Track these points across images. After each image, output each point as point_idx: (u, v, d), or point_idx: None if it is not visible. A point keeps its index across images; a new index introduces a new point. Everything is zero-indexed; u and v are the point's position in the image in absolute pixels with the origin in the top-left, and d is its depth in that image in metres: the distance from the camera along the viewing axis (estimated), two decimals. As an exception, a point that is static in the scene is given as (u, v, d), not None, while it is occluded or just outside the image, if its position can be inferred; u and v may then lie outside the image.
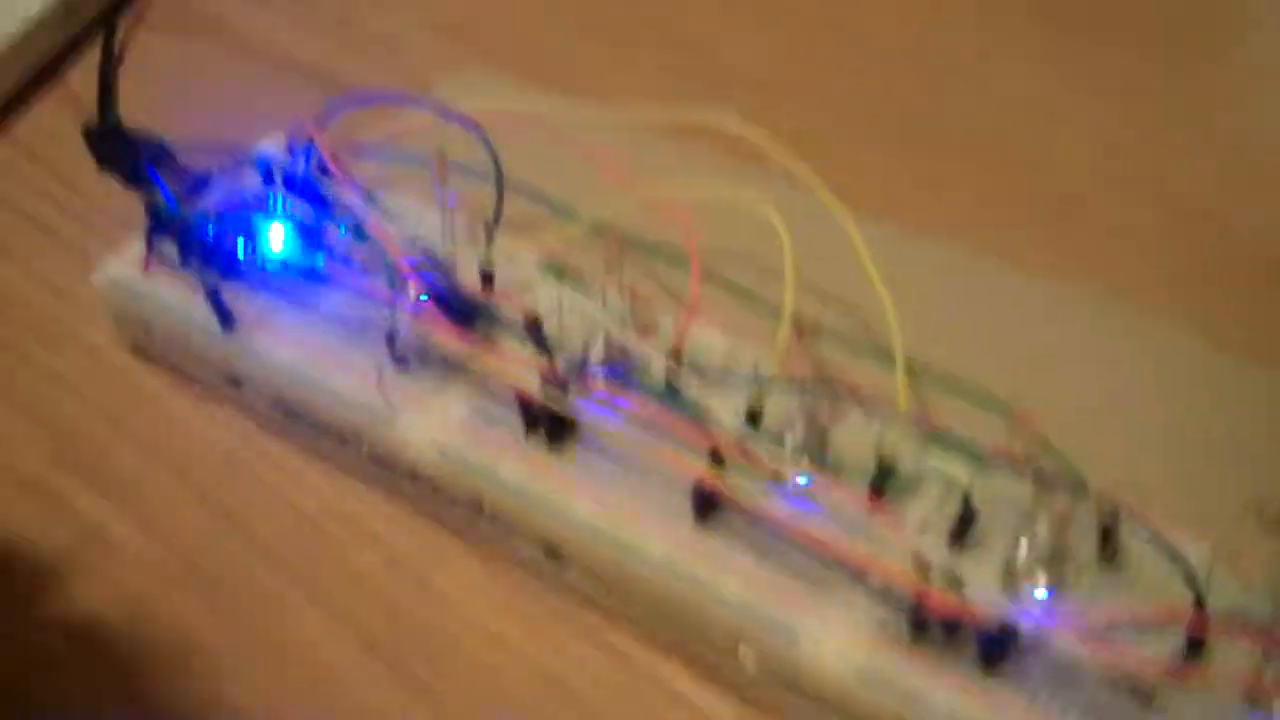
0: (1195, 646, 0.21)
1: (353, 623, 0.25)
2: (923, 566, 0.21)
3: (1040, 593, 0.22)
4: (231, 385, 0.28)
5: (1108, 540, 0.22)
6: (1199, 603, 0.21)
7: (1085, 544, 0.23)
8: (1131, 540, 0.22)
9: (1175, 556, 0.21)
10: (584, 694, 0.24)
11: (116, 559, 0.26)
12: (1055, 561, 0.22)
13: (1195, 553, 0.22)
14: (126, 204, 0.29)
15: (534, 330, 0.26)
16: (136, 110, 0.28)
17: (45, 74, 0.38)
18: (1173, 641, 0.21)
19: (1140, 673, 0.20)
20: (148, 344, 0.30)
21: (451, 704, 0.24)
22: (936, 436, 0.24)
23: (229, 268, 0.28)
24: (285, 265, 0.27)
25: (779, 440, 0.24)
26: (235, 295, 0.28)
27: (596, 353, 0.25)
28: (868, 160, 0.33)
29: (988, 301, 0.30)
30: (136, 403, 0.29)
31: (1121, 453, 0.25)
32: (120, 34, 0.36)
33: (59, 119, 0.36)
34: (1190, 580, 0.21)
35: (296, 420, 0.27)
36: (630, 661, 0.24)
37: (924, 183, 0.33)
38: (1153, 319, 0.29)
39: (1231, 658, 0.21)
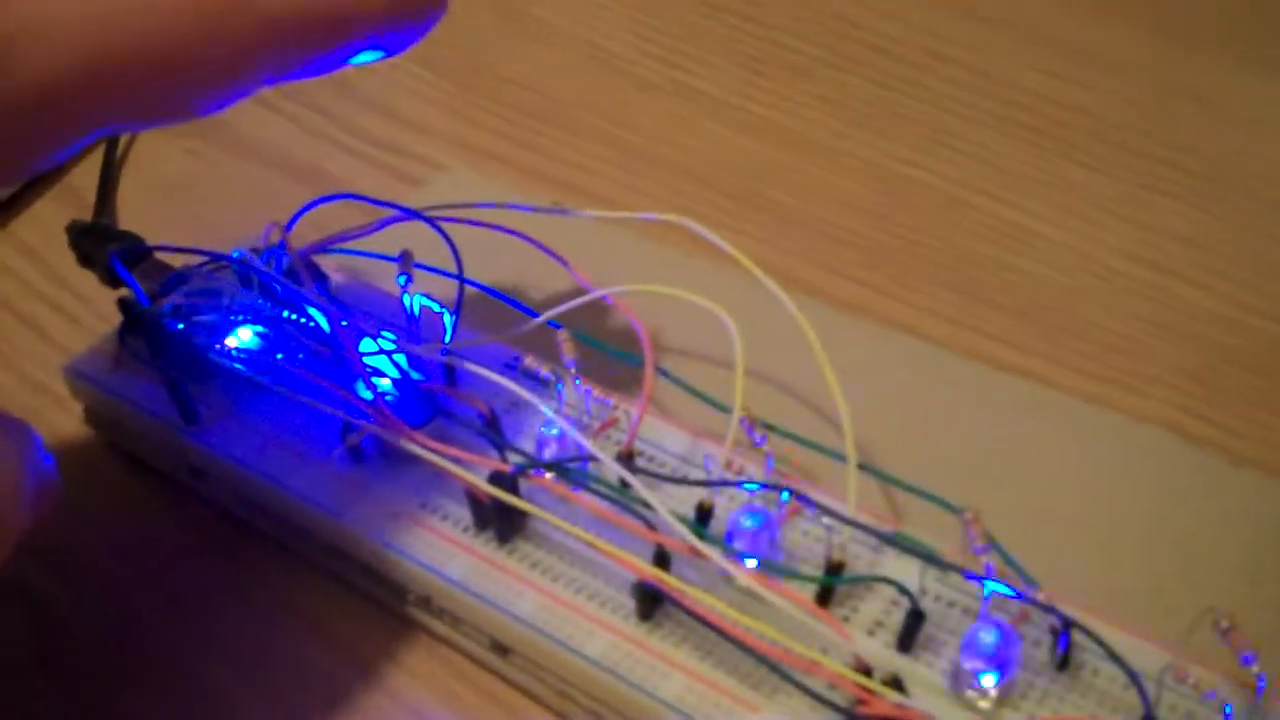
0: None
1: (292, 708, 0.25)
2: (864, 669, 0.21)
3: (987, 702, 0.21)
4: (193, 476, 0.28)
5: (1062, 648, 0.22)
6: (1150, 717, 0.20)
7: (1037, 650, 0.22)
8: (1086, 648, 0.22)
9: (1125, 666, 0.21)
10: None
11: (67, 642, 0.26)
12: (1004, 667, 0.21)
13: (1149, 661, 0.21)
14: (113, 302, 0.29)
15: (490, 427, 0.25)
16: (134, 208, 0.29)
17: (48, 175, 0.39)
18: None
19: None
20: (117, 436, 0.30)
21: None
22: (888, 537, 0.23)
23: (195, 364, 0.28)
24: (249, 363, 0.27)
25: (728, 539, 0.23)
26: (200, 391, 0.28)
27: (551, 448, 0.25)
28: (829, 260, 0.33)
29: (944, 398, 0.29)
30: (101, 491, 0.29)
31: (1076, 557, 0.25)
32: (120, 140, 0.37)
33: (58, 216, 0.37)
34: (1141, 690, 0.20)
35: (253, 511, 0.27)
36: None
37: (887, 281, 0.33)
38: (1116, 418, 0.29)
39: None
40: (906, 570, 0.23)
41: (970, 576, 0.22)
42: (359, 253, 0.29)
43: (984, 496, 0.23)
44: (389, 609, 0.26)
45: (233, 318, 0.28)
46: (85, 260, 0.30)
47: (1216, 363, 0.30)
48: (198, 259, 0.29)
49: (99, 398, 0.29)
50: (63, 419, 0.31)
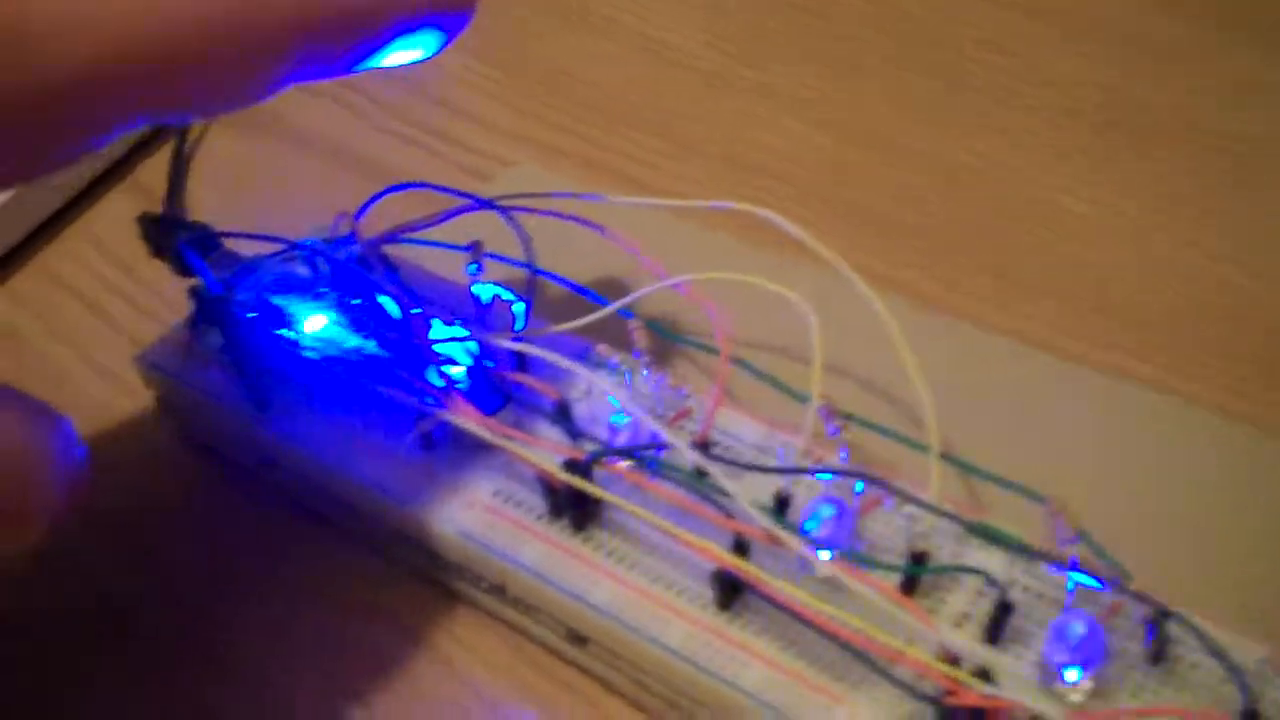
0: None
1: (369, 703, 0.24)
2: (952, 659, 0.20)
3: (1078, 694, 0.21)
4: (265, 465, 0.28)
5: (1154, 639, 0.21)
6: (1251, 711, 0.19)
7: (1130, 643, 0.21)
8: (1180, 640, 0.21)
9: (1222, 657, 0.20)
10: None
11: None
12: (1091, 660, 0.21)
13: (1245, 653, 0.20)
14: (182, 292, 0.29)
15: (562, 415, 0.25)
16: (200, 202, 0.29)
17: (117, 169, 0.39)
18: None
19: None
20: (189, 425, 0.30)
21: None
22: (973, 527, 0.23)
23: (267, 352, 0.28)
24: (323, 351, 0.27)
25: (803, 530, 0.23)
26: (271, 379, 0.28)
27: (623, 437, 0.25)
28: (901, 254, 0.33)
29: (1026, 391, 0.29)
30: (171, 480, 0.29)
31: (1168, 549, 0.24)
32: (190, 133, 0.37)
33: (128, 209, 0.37)
34: (1241, 683, 0.20)
35: (325, 500, 0.27)
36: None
37: (959, 275, 0.32)
38: (1201, 411, 0.28)
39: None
40: (991, 562, 0.22)
41: (1057, 568, 0.21)
42: (429, 243, 0.29)
43: (1068, 489, 0.22)
44: (463, 598, 0.26)
45: (304, 306, 0.28)
46: (157, 250, 0.30)
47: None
48: (268, 248, 0.29)
49: (171, 386, 0.29)
50: (134, 408, 0.31)
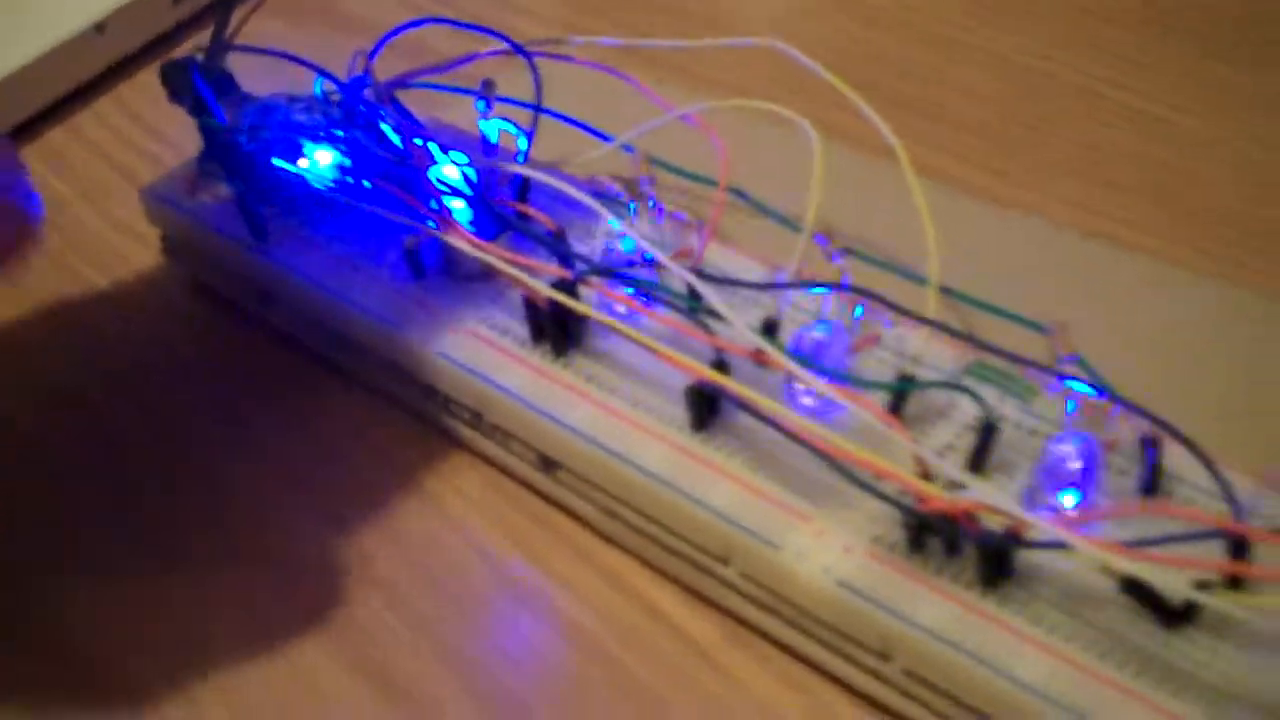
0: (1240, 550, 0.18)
1: (348, 531, 0.24)
2: (926, 474, 0.19)
3: (1066, 503, 0.19)
4: (262, 302, 0.28)
5: (1147, 467, 0.20)
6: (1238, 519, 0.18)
7: (1122, 478, 0.20)
8: (1173, 475, 0.20)
9: (1220, 479, 0.19)
10: (568, 611, 0.22)
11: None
12: (1085, 484, 0.20)
13: (1239, 483, 0.19)
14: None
15: (558, 242, 0.25)
16: (243, 80, 0.28)
17: (156, 46, 0.39)
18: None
19: (1170, 587, 0.18)
20: (192, 263, 0.30)
21: (426, 609, 0.22)
22: (962, 334, 0.22)
23: (269, 184, 0.27)
24: (325, 184, 0.27)
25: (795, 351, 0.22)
26: (273, 212, 0.27)
27: (615, 257, 0.24)
28: (943, 141, 0.32)
29: (1030, 247, 0.28)
30: (173, 318, 0.29)
31: (1164, 385, 0.22)
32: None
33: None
34: (1232, 501, 0.18)
35: (316, 332, 0.27)
36: (620, 581, 0.22)
37: (1004, 162, 0.31)
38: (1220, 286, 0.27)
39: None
40: (983, 392, 0.21)
41: (1052, 376, 0.20)
42: (443, 87, 0.28)
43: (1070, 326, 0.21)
44: (446, 432, 0.25)
45: (309, 139, 0.27)
46: (174, 95, 0.30)
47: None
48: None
49: (173, 219, 0.29)
50: (142, 253, 0.31)
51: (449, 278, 0.25)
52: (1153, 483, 0.20)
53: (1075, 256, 0.28)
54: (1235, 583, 0.18)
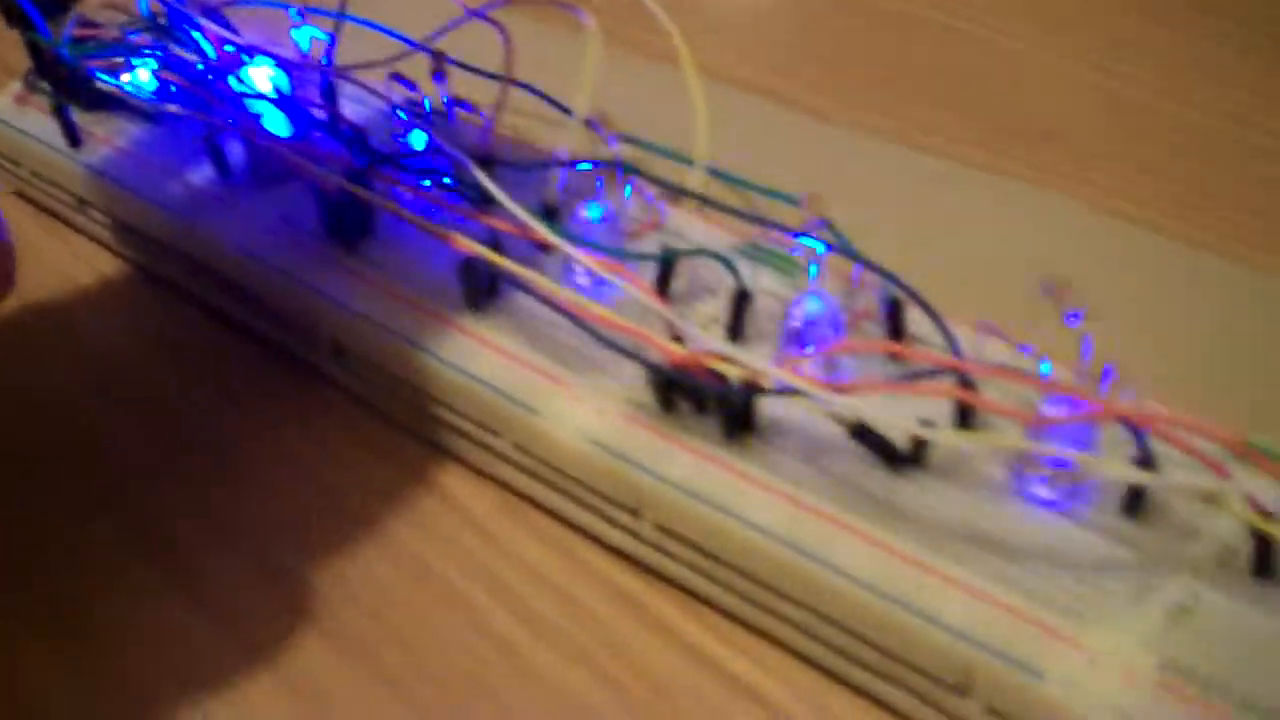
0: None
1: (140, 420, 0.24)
2: (677, 334, 0.20)
3: (810, 363, 0.20)
4: (80, 210, 0.28)
5: (893, 326, 0.20)
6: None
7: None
8: (917, 334, 0.20)
9: (946, 330, 0.19)
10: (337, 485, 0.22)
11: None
12: (822, 340, 0.20)
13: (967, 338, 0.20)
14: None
15: (357, 139, 0.25)
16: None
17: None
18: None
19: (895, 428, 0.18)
20: (19, 180, 0.30)
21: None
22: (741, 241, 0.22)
23: (89, 96, 0.28)
24: (140, 96, 0.27)
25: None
26: (93, 120, 0.28)
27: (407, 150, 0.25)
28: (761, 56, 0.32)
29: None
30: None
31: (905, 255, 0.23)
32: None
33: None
34: (956, 348, 0.19)
35: (129, 236, 0.27)
36: (404, 461, 0.23)
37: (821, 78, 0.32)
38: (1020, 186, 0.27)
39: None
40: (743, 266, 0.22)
41: (787, 233, 0.21)
42: (266, 2, 0.28)
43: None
44: (243, 328, 0.25)
45: (128, 53, 0.28)
46: (7, 16, 0.30)
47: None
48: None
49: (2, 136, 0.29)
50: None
51: (255, 178, 0.26)
52: (895, 338, 0.20)
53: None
54: (964, 421, 0.19)
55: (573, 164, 0.23)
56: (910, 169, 0.28)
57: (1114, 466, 0.17)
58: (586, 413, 0.20)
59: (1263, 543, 0.17)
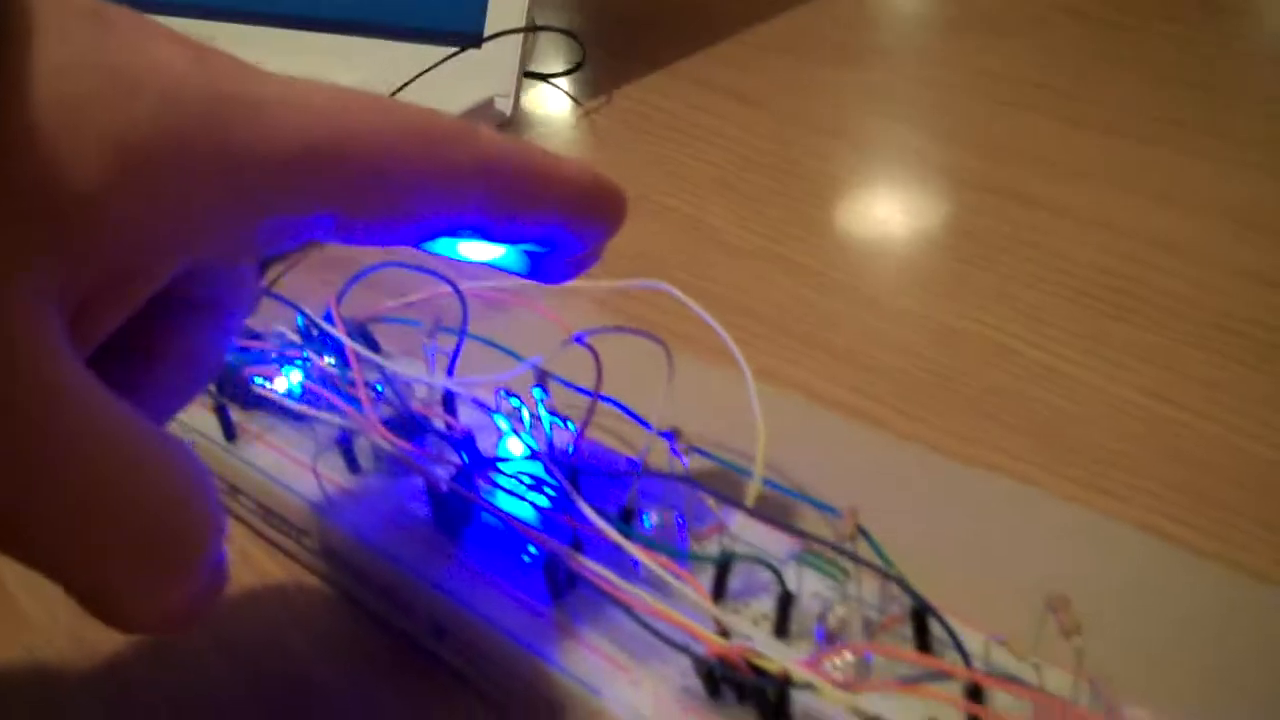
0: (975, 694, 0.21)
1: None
2: (723, 629, 0.22)
3: (841, 660, 0.22)
4: (231, 493, 0.32)
5: (918, 630, 0.23)
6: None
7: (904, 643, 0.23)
8: (944, 641, 0.23)
9: (955, 637, 0.22)
10: None
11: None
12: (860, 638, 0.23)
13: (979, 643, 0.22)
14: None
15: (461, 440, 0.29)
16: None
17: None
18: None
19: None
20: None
21: None
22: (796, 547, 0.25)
23: (245, 399, 0.32)
24: (289, 399, 0.32)
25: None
26: (246, 419, 0.32)
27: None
28: (848, 379, 0.36)
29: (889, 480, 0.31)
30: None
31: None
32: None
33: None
34: (962, 651, 0.21)
35: (269, 518, 0.31)
36: None
37: (897, 400, 0.35)
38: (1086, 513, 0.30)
39: None
40: (788, 572, 0.24)
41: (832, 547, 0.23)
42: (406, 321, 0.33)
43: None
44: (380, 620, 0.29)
45: (284, 363, 0.32)
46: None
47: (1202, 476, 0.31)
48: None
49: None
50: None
51: (378, 474, 0.30)
52: (925, 644, 0.23)
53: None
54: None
55: (649, 474, 0.26)
56: (953, 480, 0.31)
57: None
58: (643, 696, 0.23)
59: None
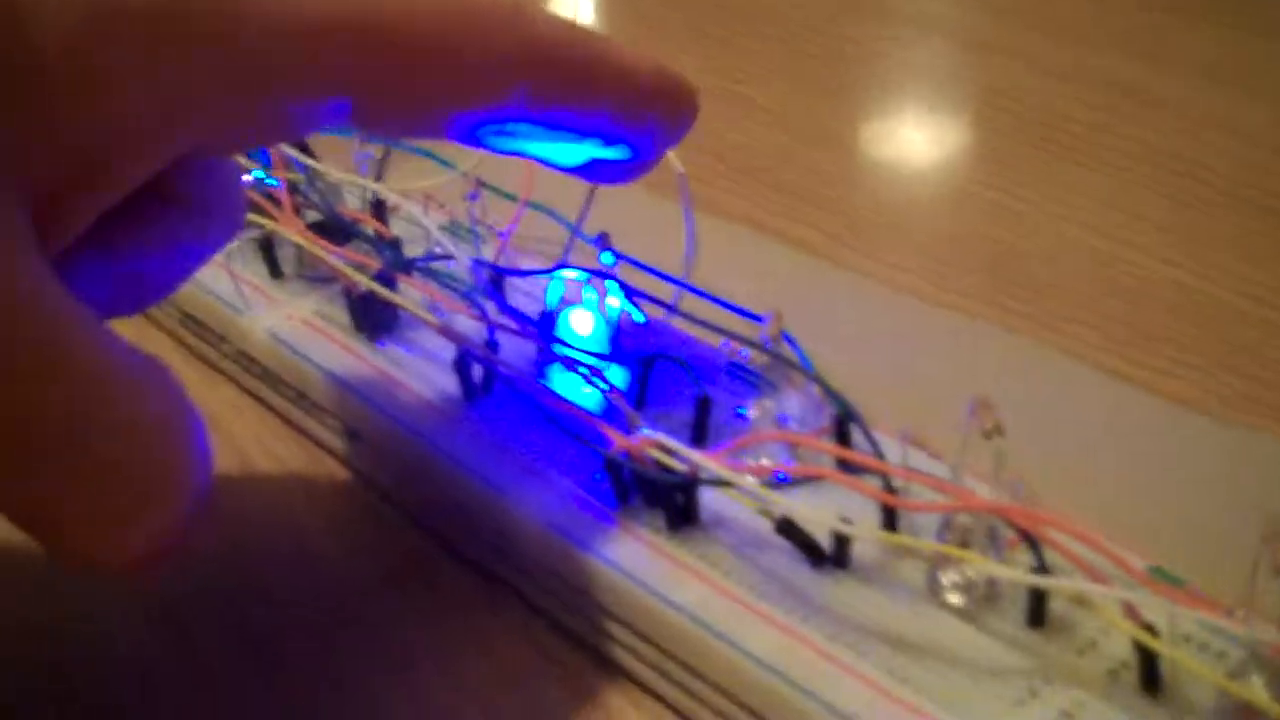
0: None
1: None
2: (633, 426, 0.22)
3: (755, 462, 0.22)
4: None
5: (840, 439, 0.22)
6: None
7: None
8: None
9: (870, 437, 0.21)
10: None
11: None
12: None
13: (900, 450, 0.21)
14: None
15: (384, 244, 0.28)
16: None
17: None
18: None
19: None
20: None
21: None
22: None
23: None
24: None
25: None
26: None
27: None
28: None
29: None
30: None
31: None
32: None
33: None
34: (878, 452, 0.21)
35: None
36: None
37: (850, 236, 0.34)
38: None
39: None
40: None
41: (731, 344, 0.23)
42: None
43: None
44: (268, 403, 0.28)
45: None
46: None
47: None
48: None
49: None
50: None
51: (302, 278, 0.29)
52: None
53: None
54: (889, 524, 0.20)
55: (560, 266, 0.25)
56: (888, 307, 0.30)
57: (995, 565, 0.19)
58: (551, 499, 0.22)
59: (1147, 658, 0.18)
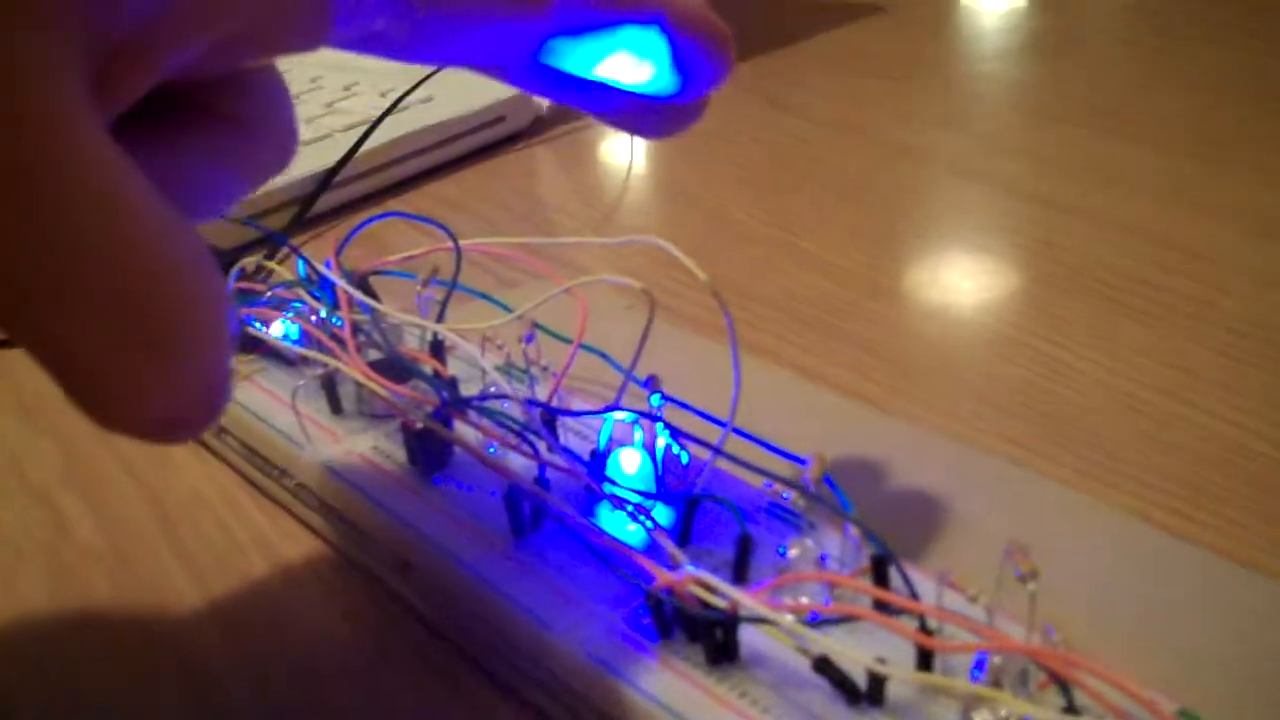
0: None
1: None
2: (675, 564, 0.22)
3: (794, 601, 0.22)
4: (217, 435, 0.32)
5: (878, 580, 0.22)
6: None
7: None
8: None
9: (906, 578, 0.21)
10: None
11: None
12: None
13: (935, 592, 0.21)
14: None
15: (441, 383, 0.29)
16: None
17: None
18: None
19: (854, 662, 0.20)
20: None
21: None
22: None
23: (240, 340, 0.32)
24: (283, 340, 0.32)
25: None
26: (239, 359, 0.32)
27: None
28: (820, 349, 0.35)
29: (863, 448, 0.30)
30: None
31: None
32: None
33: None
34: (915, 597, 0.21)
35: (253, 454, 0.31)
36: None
37: (894, 379, 0.34)
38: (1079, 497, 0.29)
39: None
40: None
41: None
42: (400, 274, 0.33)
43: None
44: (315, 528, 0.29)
45: (276, 306, 0.32)
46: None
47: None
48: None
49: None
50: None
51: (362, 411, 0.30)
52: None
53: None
54: (924, 664, 0.20)
55: (613, 408, 0.26)
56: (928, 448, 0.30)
57: (1026, 705, 0.19)
58: (593, 633, 0.22)
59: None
